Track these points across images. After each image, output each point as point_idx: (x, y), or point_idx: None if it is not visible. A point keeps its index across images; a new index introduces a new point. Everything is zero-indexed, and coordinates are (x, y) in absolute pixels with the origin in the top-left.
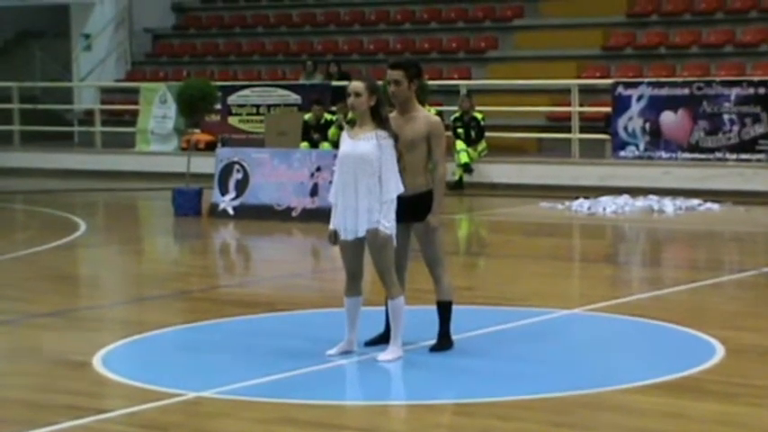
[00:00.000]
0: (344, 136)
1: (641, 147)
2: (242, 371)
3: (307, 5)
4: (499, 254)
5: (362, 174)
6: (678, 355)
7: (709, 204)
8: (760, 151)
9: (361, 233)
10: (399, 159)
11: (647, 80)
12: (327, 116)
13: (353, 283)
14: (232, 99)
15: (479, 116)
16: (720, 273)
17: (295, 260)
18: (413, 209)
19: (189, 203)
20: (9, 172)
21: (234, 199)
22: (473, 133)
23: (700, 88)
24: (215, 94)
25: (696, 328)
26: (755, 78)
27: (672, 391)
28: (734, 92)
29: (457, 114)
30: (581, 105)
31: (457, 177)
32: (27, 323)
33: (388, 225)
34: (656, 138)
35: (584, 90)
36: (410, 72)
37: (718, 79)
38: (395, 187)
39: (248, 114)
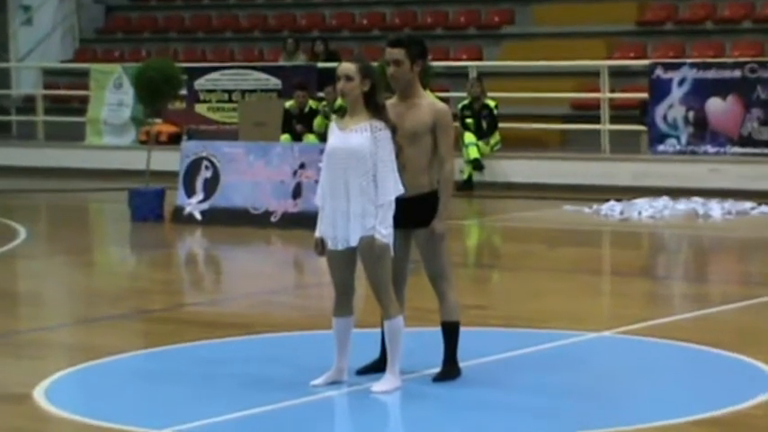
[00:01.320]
0: (333, 127)
1: (683, 140)
2: (211, 404)
3: None
4: (515, 266)
5: (354, 172)
6: (726, 387)
7: (763, 208)
8: None
9: (353, 242)
10: (398, 154)
11: (690, 61)
12: (312, 104)
13: (344, 301)
14: (200, 83)
15: (492, 104)
16: None
17: (274, 274)
18: (414, 213)
19: (149, 206)
20: None
21: (202, 201)
22: (485, 124)
23: (753, 70)
24: (179, 78)
25: (748, 355)
26: None
27: (719, 429)
28: None
29: (466, 102)
30: (612, 91)
31: (466, 176)
32: None
33: (384, 232)
34: (700, 129)
35: (616, 73)
36: (413, 51)
37: None
38: (393, 188)
39: (219, 101)
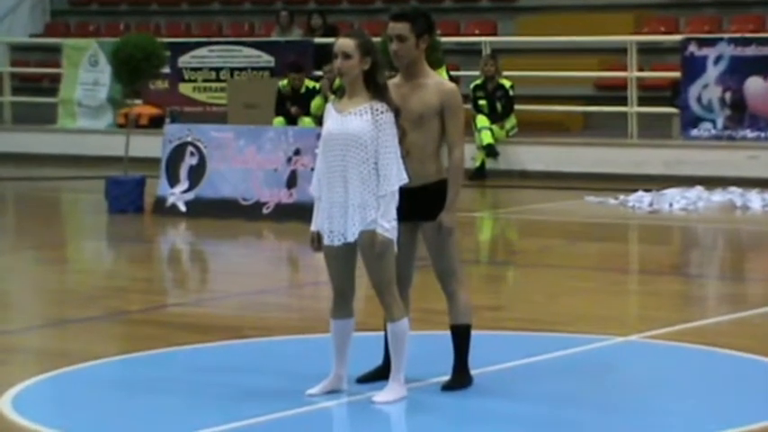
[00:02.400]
0: (330, 109)
1: (719, 124)
2: (197, 416)
3: None
4: (533, 263)
5: (353, 159)
6: (765, 397)
7: None
8: None
9: (352, 237)
10: (402, 139)
11: (727, 36)
12: (310, 83)
13: (343, 302)
14: (184, 60)
15: (507, 84)
16: None
17: (266, 271)
18: (420, 204)
19: (127, 197)
20: None
21: (186, 191)
22: (499, 106)
23: None
24: (162, 54)
25: None
26: None
27: None
28: None
29: (478, 81)
30: (640, 69)
31: (478, 163)
32: None
33: (387, 226)
34: (738, 112)
35: (645, 49)
36: (418, 25)
37: None
38: (396, 176)
39: (205, 81)
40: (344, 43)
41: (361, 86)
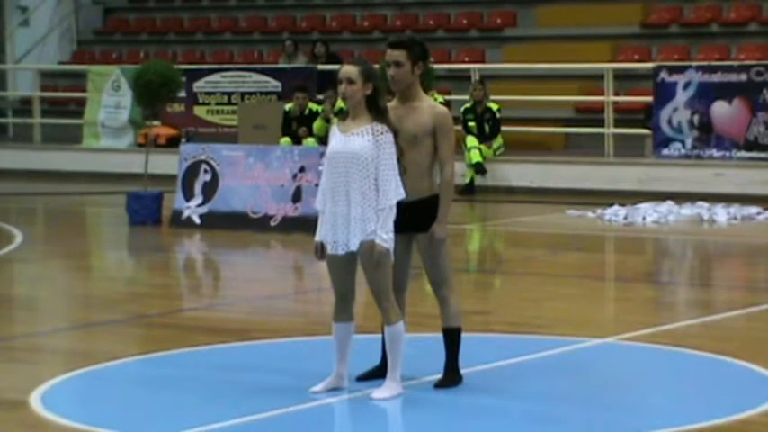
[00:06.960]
0: (334, 130)
1: (688, 144)
2: (209, 411)
3: None
4: (518, 271)
5: (355, 175)
6: (732, 394)
7: None
8: None
9: (354, 247)
10: (400, 158)
11: (695, 64)
12: (313, 106)
13: (344, 306)
14: (199, 85)
15: (495, 107)
16: None
17: (274, 278)
18: (415, 217)
19: (147, 210)
20: None
21: (201, 205)
22: (487, 127)
23: (759, 74)
24: (178, 80)
25: (753, 362)
26: None
27: None
28: None
29: (468, 105)
30: (616, 94)
31: (468, 180)
32: None
33: (385, 237)
34: (706, 133)
35: (621, 76)
36: (414, 52)
37: None
38: (394, 192)
39: (218, 104)
40: (348, 70)
41: (364, 109)
